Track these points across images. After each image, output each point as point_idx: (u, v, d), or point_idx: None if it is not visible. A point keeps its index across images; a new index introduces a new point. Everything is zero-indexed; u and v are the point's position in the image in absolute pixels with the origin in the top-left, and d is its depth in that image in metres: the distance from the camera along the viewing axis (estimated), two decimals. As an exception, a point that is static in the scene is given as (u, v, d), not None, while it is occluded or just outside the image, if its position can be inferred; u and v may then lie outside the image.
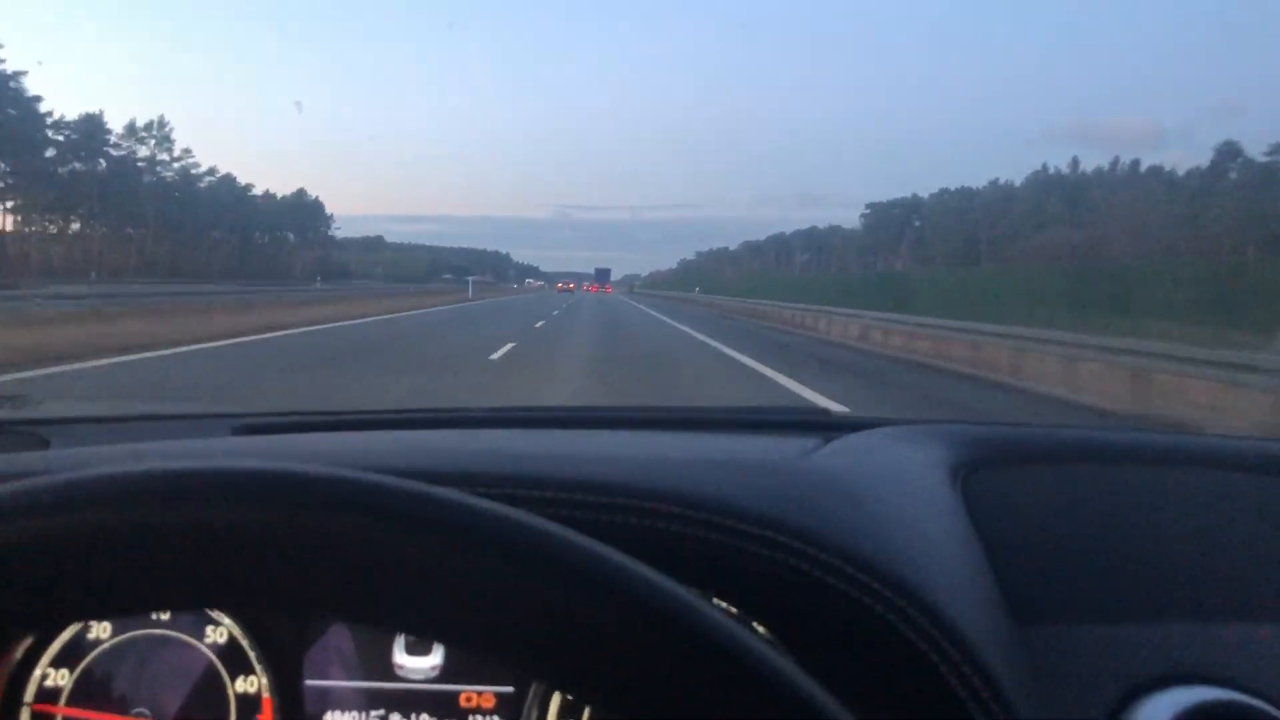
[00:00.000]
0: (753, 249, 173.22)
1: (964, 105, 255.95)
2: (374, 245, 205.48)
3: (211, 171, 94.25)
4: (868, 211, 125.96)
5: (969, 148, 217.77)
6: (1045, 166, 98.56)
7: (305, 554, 0.31)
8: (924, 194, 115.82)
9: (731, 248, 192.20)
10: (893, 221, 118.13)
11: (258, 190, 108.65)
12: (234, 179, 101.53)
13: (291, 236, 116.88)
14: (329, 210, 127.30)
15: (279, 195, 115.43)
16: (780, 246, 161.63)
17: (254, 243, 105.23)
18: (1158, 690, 0.59)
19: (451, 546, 0.31)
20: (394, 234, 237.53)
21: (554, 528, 0.32)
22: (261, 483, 0.32)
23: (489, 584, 0.31)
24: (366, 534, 0.31)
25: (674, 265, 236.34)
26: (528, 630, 0.31)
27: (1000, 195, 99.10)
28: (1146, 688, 0.59)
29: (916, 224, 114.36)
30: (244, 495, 0.32)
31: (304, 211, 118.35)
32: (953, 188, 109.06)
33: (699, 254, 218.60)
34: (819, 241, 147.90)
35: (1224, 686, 0.59)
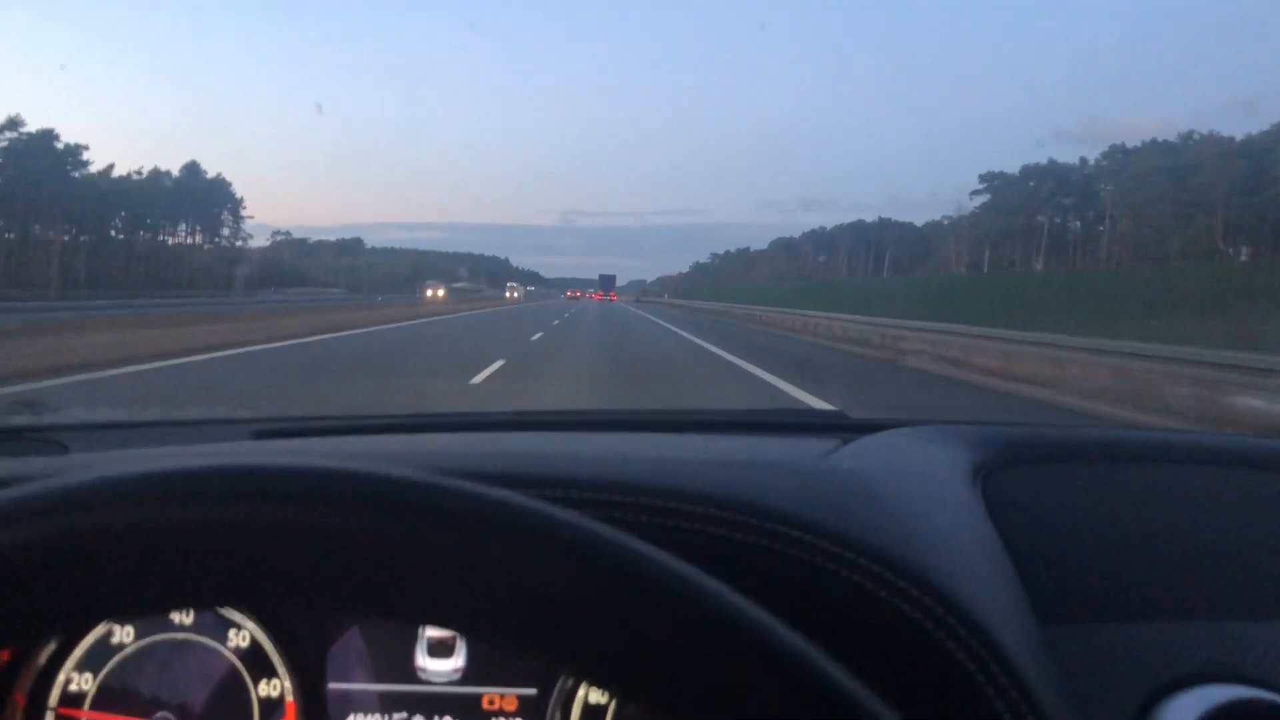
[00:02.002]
0: (785, 247, 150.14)
1: (971, 107, 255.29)
2: (350, 249, 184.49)
3: (12, 124, 62.20)
4: (982, 187, 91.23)
5: (975, 150, 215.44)
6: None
7: (339, 549, 0.31)
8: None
9: (756, 247, 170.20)
10: (1031, 199, 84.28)
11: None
12: (55, 139, 65.49)
13: (191, 230, 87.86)
14: (239, 195, 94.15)
15: (169, 174, 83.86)
16: (821, 243, 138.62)
17: (112, 239, 73.66)
18: (1184, 689, 0.58)
19: (493, 542, 0.31)
20: (399, 240, 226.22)
21: (591, 523, 0.32)
22: (293, 479, 0.32)
23: (526, 578, 0.31)
24: (410, 531, 0.31)
25: (685, 269, 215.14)
26: (562, 624, 0.31)
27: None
28: (1172, 687, 0.58)
29: (1066, 201, 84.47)
30: (273, 491, 0.31)
31: (197, 196, 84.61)
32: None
33: (714, 256, 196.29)
34: (870, 236, 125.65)
35: (1251, 685, 0.58)
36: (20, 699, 0.68)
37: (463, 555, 0.31)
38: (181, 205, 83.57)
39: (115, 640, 0.69)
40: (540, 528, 0.32)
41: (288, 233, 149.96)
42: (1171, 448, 0.87)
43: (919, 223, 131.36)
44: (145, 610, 0.34)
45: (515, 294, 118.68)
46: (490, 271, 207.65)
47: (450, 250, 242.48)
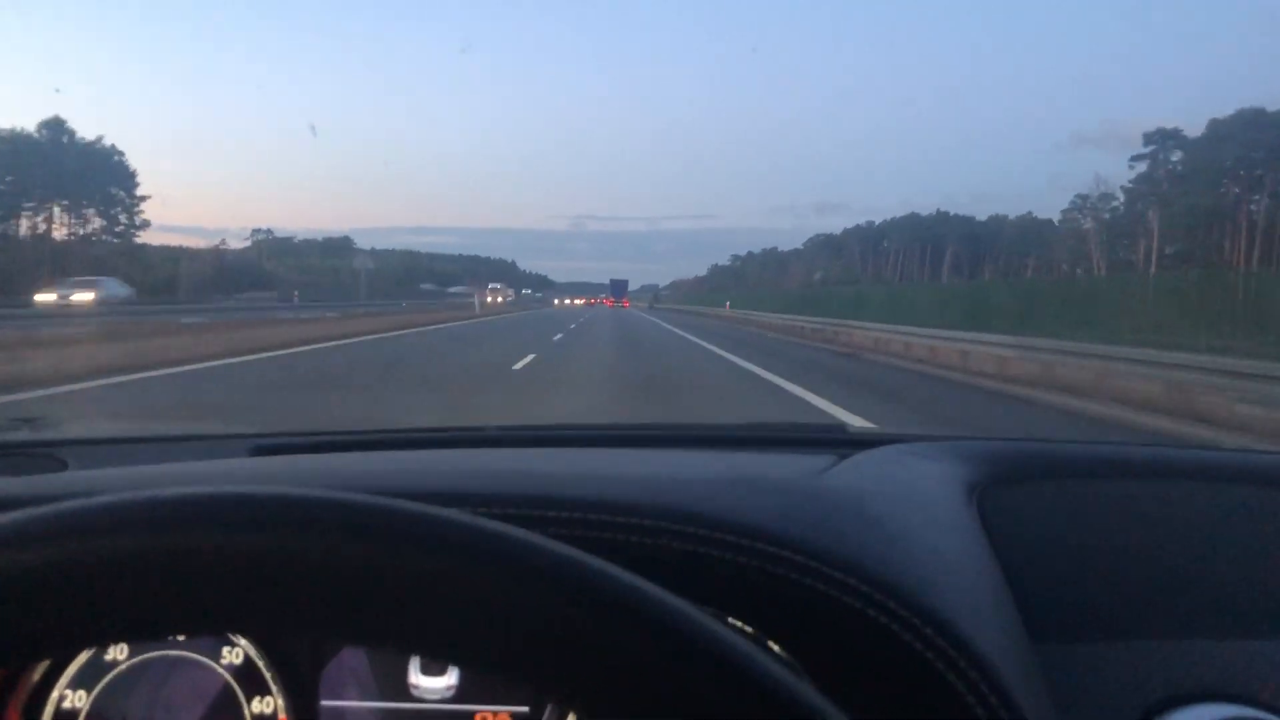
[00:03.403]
0: (825, 245, 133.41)
1: (982, 110, 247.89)
2: (339, 249, 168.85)
3: None
4: (1146, 151, 66.51)
5: (993, 152, 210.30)
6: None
7: (320, 578, 0.31)
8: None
9: (785, 248, 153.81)
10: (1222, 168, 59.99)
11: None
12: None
13: (73, 213, 61.58)
14: (133, 169, 66.06)
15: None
16: (868, 240, 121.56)
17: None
18: (1178, 708, 0.58)
19: (463, 569, 0.31)
20: (414, 245, 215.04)
21: (565, 549, 0.32)
22: (275, 508, 0.32)
23: (500, 606, 0.31)
24: (382, 559, 0.31)
25: (703, 272, 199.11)
26: (540, 651, 0.31)
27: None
28: (1166, 705, 0.58)
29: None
30: (256, 520, 0.32)
31: (71, 168, 58.91)
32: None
33: (735, 258, 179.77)
34: (925, 232, 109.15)
35: (1245, 704, 0.58)
36: (14, 716, 0.67)
37: (447, 585, 0.31)
38: (53, 179, 58.87)
39: (109, 657, 0.69)
40: (525, 557, 0.31)
41: (269, 231, 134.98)
42: (1172, 464, 0.87)
43: (981, 216, 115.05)
44: (135, 636, 0.34)
45: (497, 298, 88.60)
46: (492, 276, 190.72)
47: (458, 253, 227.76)
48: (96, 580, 0.31)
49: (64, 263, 50.25)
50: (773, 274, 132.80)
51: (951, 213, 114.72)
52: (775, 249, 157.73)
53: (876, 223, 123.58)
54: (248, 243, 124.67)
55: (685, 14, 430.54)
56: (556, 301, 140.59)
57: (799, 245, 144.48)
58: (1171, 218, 61.92)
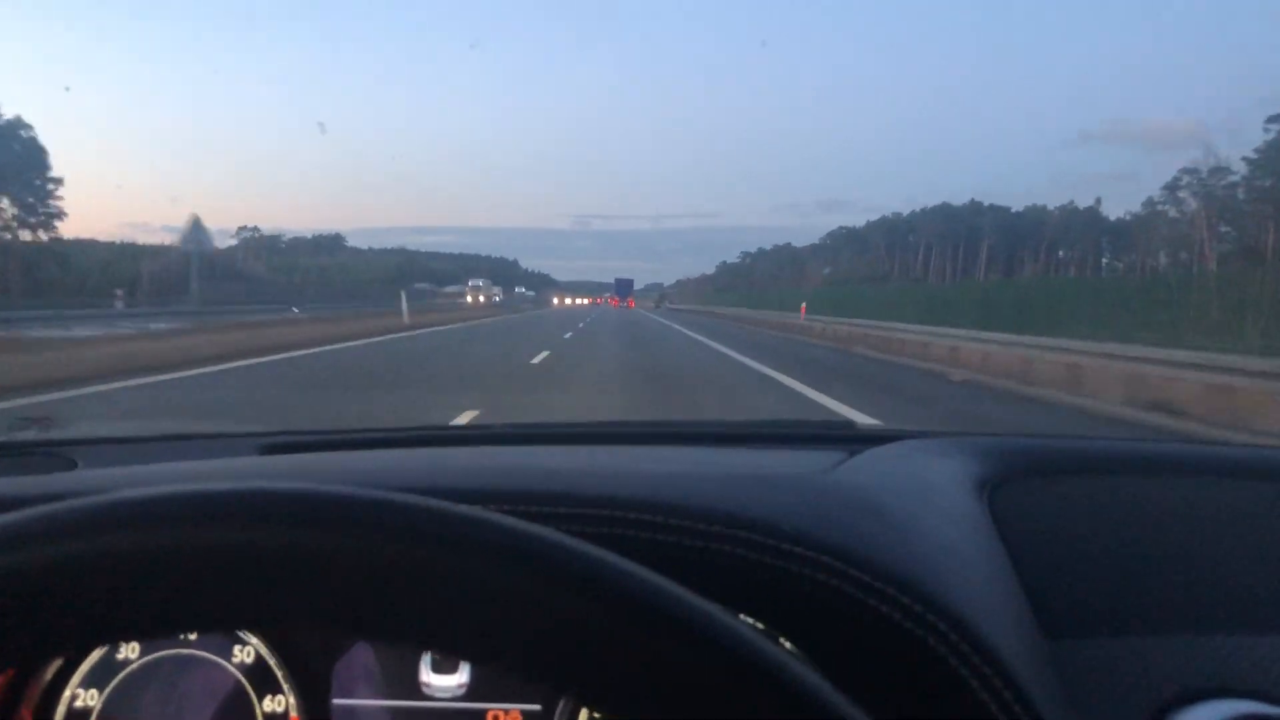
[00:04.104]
0: (848, 239, 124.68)
1: (990, 109, 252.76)
2: (329, 247, 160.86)
3: None
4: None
5: (997, 151, 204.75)
6: None
7: (335, 575, 0.31)
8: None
9: (796, 244, 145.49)
10: None
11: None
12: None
13: None
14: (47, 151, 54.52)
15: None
16: (895, 233, 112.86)
17: None
18: (1191, 705, 0.58)
19: (478, 564, 0.31)
20: (415, 244, 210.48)
21: (594, 550, 0.32)
22: (289, 504, 0.32)
23: (513, 600, 0.31)
24: (399, 555, 0.31)
25: (710, 270, 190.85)
26: (554, 648, 0.31)
27: None
28: (1180, 702, 0.58)
29: None
30: (270, 517, 0.31)
31: None
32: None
33: (745, 254, 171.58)
34: (960, 223, 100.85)
35: (1260, 700, 0.57)
36: (27, 715, 0.68)
37: (463, 581, 0.31)
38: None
39: (120, 657, 0.70)
40: (543, 554, 0.31)
41: (255, 229, 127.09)
42: (1185, 460, 0.87)
43: (1017, 208, 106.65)
44: (147, 634, 0.34)
45: (478, 298, 78.65)
46: (490, 274, 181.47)
47: (459, 252, 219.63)
48: (115, 577, 0.31)
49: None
50: (788, 272, 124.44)
51: (986, 203, 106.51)
52: (789, 245, 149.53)
53: (904, 214, 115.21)
54: (234, 241, 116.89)
55: (691, 11, 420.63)
56: (555, 300, 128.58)
57: (813, 241, 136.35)
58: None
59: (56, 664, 0.68)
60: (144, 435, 1.14)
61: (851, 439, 1.03)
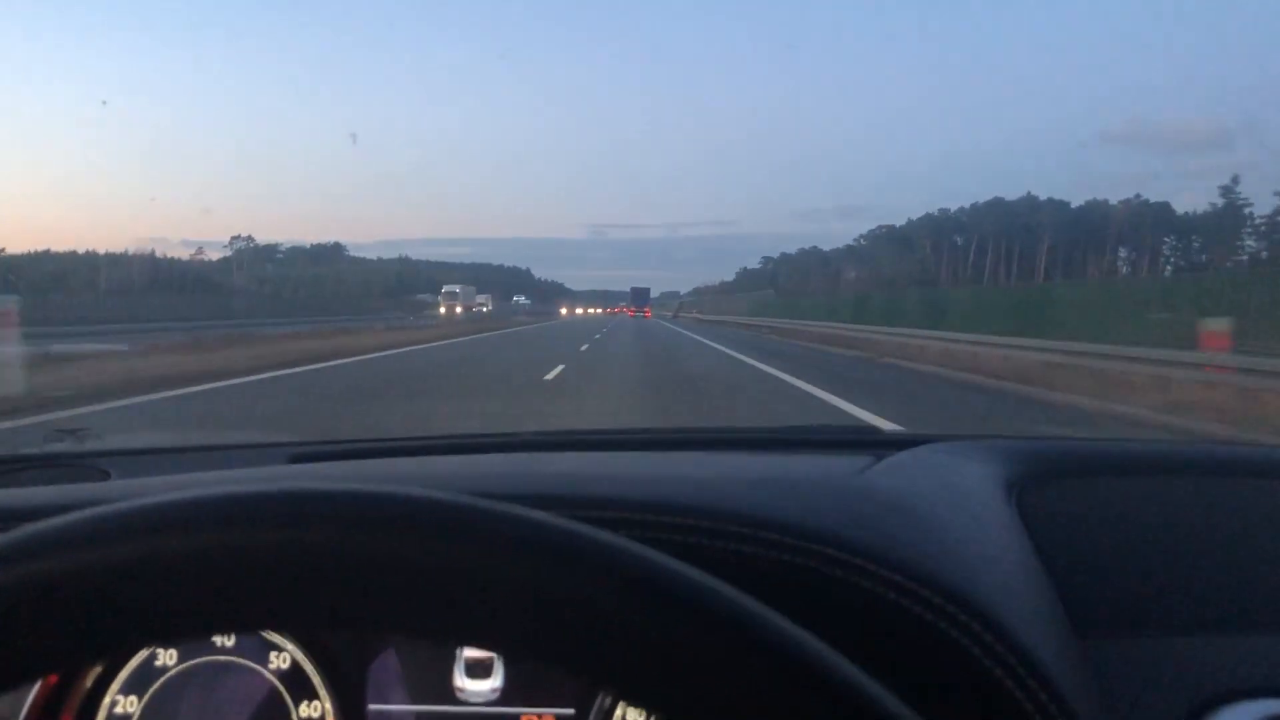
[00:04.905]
0: (888, 239, 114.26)
1: (1001, 113, 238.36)
2: (328, 256, 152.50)
3: None
4: None
5: (1013, 156, 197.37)
6: None
7: (380, 574, 0.31)
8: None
9: (826, 248, 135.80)
10: None
11: None
12: None
13: None
14: None
15: None
16: (943, 231, 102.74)
17: None
18: (1225, 705, 0.57)
19: (534, 563, 0.31)
20: (427, 255, 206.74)
21: (629, 544, 0.32)
22: (336, 503, 0.32)
23: (566, 600, 0.31)
24: (451, 554, 0.31)
25: (729, 278, 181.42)
26: (602, 645, 0.31)
27: None
28: (1213, 702, 0.58)
29: None
30: (310, 516, 0.31)
31: None
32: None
33: (766, 259, 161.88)
34: (1017, 220, 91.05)
35: None
36: None
37: (504, 577, 0.31)
38: None
39: (159, 663, 0.70)
40: (579, 549, 0.31)
41: (249, 238, 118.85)
42: (1211, 460, 0.87)
43: (1076, 203, 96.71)
44: (187, 636, 0.34)
45: (454, 309, 66.18)
46: (501, 284, 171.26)
47: (470, 262, 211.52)
48: (143, 582, 0.31)
49: None
50: (816, 276, 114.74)
51: (1042, 197, 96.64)
52: (816, 249, 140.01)
53: (951, 210, 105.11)
54: (228, 251, 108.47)
55: (706, 18, 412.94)
56: (564, 311, 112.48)
57: (838, 245, 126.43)
58: None
59: (96, 671, 0.69)
60: (175, 446, 1.16)
61: (877, 444, 1.03)
